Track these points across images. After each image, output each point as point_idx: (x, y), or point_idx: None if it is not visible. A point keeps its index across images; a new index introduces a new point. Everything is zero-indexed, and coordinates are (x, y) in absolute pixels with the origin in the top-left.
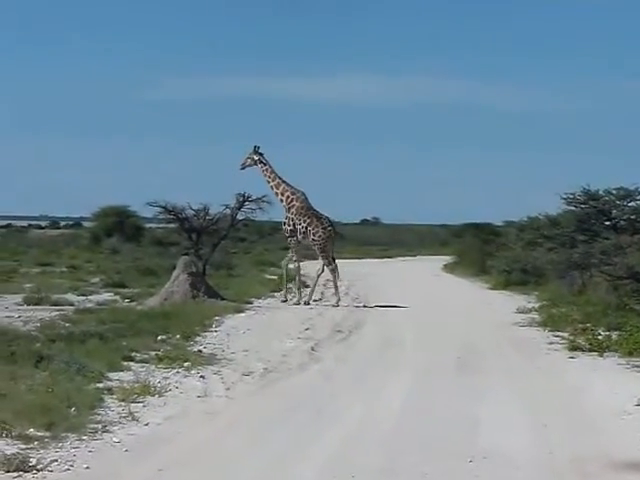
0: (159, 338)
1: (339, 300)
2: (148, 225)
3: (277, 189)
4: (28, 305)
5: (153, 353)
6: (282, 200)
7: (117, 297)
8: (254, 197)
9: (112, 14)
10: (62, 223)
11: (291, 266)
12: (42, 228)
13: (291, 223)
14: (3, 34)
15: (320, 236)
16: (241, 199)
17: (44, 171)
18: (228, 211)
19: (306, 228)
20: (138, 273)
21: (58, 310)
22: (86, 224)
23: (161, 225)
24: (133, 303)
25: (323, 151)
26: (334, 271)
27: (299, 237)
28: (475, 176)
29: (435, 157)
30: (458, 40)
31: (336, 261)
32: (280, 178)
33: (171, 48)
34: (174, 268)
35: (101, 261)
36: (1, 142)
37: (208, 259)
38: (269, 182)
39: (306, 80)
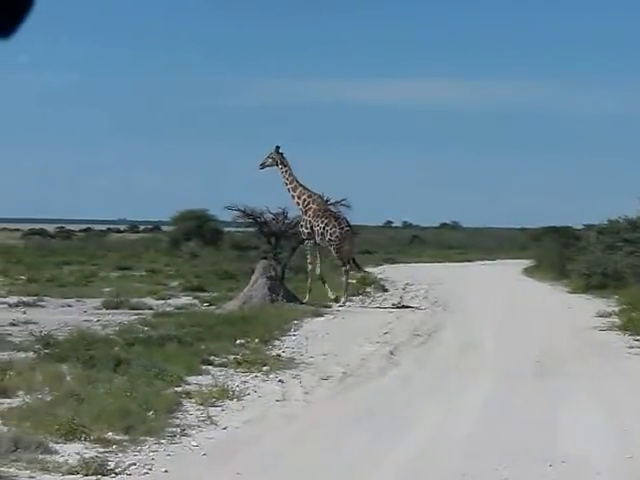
0: (238, 342)
1: (345, 301)
2: (227, 229)
3: (294, 192)
4: (107, 309)
5: (232, 357)
6: (298, 203)
7: (196, 301)
8: (333, 200)
9: (194, 23)
10: (141, 227)
11: (318, 270)
12: (121, 232)
13: (308, 225)
14: (96, 43)
15: (337, 236)
16: None
17: (123, 175)
18: None
19: (324, 229)
20: (217, 277)
21: (137, 314)
22: (165, 228)
23: (240, 229)
24: (212, 307)
25: (403, 154)
26: (347, 273)
27: (317, 239)
28: (554, 179)
29: (515, 161)
30: (532, 41)
31: (357, 263)
32: (297, 181)
33: (242, 54)
34: (253, 272)
35: (180, 265)
36: (83, 148)
37: (287, 263)
38: (287, 184)
39: (380, 82)
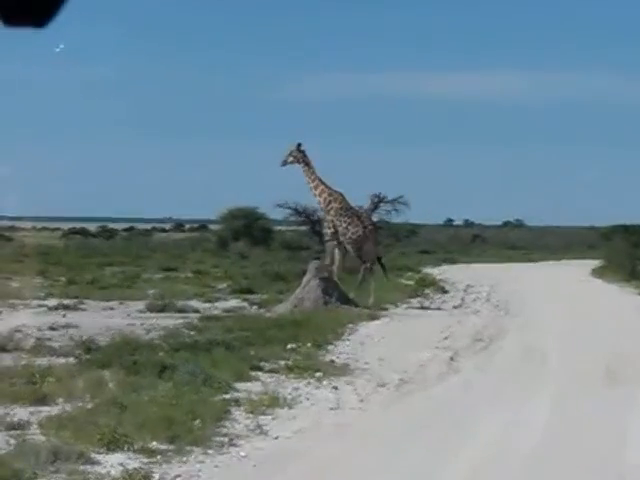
0: (289, 347)
1: (371, 302)
2: (278, 228)
3: (315, 190)
4: (151, 312)
5: (283, 363)
6: (320, 202)
7: (245, 304)
8: (389, 198)
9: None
10: (187, 226)
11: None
12: (166, 231)
13: (331, 225)
14: (137, 35)
15: (360, 235)
16: (376, 200)
17: (168, 172)
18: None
19: (346, 228)
20: (267, 279)
21: (182, 317)
22: (212, 227)
23: (291, 228)
24: (261, 310)
25: (464, 150)
26: (367, 271)
27: (341, 238)
28: (625, 175)
29: (582, 156)
30: (609, 32)
31: (383, 264)
32: (320, 179)
33: (293, 45)
34: (304, 273)
35: (228, 266)
36: (127, 143)
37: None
38: (309, 182)
39: (448, 75)
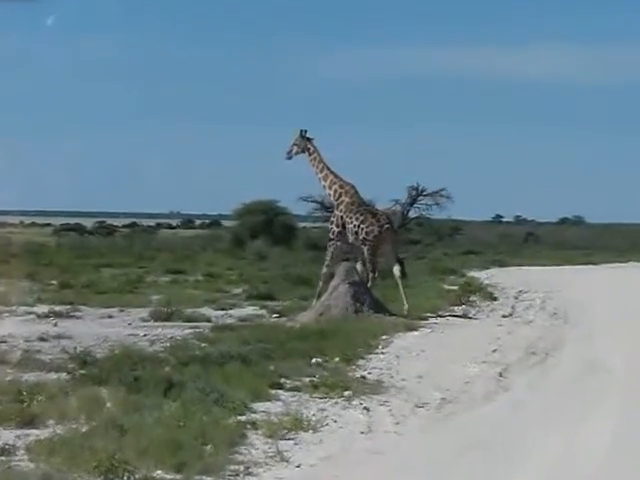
0: (314, 361)
1: (405, 309)
2: (301, 224)
3: (325, 181)
4: (156, 321)
5: (307, 379)
6: (330, 195)
7: (263, 311)
8: (430, 190)
9: None
10: (197, 222)
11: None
12: (173, 228)
13: (340, 222)
14: (138, 12)
15: (375, 235)
16: (414, 193)
17: (176, 160)
18: (398, 207)
19: (358, 226)
20: (289, 283)
21: (192, 327)
22: (226, 223)
23: (317, 225)
24: (282, 319)
25: (514, 137)
26: (375, 280)
27: (351, 238)
28: None
29: None
30: None
31: (404, 268)
32: (329, 169)
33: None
34: (332, 277)
35: (245, 268)
36: (129, 129)
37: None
38: (317, 173)
39: (491, 51)
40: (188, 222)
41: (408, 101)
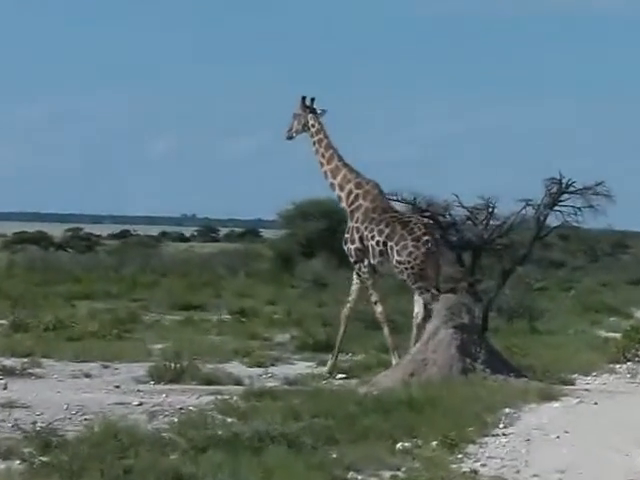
0: (399, 446)
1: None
2: None
3: (333, 177)
4: (158, 383)
5: (387, 475)
6: (340, 197)
7: (322, 369)
8: (580, 186)
9: None
10: (221, 231)
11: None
12: (186, 240)
13: (356, 237)
14: None
15: (415, 256)
16: (555, 189)
17: (186, 139)
18: (531, 211)
19: (384, 244)
20: (361, 324)
21: (213, 392)
22: (267, 233)
23: None
24: (352, 381)
25: None
26: (426, 319)
27: (372, 260)
28: None
29: None
30: None
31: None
32: (340, 159)
33: None
34: (429, 317)
35: (295, 302)
36: (117, 93)
37: (492, 300)
38: (322, 164)
39: None
40: (208, 231)
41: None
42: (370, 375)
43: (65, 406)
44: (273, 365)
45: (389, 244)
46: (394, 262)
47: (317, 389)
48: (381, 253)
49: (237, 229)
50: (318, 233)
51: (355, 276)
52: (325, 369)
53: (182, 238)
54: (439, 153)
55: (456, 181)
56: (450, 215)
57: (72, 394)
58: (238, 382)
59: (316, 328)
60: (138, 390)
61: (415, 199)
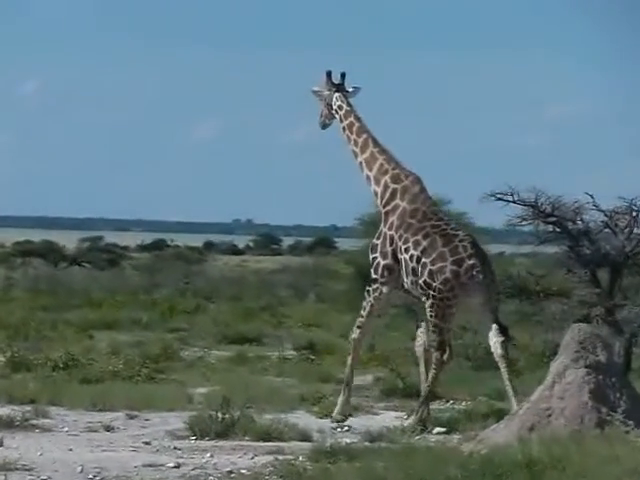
0: None
1: (417, 423)
2: (495, 248)
3: (369, 168)
4: (200, 438)
5: None
6: (377, 193)
7: (413, 421)
8: None
9: None
10: (284, 240)
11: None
12: (239, 252)
13: (388, 250)
14: None
15: (451, 286)
16: None
17: (235, 137)
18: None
19: (418, 259)
20: (467, 363)
21: (272, 451)
22: (344, 243)
23: (526, 248)
24: (454, 436)
25: None
26: (441, 364)
27: (406, 280)
28: None
29: None
30: None
31: (507, 332)
32: (376, 143)
33: None
34: (555, 353)
35: (378, 332)
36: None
37: (637, 332)
38: (356, 154)
39: None
40: (268, 241)
41: None
42: (477, 429)
43: (79, 468)
44: (351, 415)
45: (422, 260)
46: (421, 282)
47: (407, 447)
48: (413, 271)
49: (305, 239)
50: None
51: (371, 299)
52: (414, 419)
53: (234, 250)
54: (569, 139)
55: (591, 176)
56: (582, 221)
57: (88, 452)
58: (305, 437)
59: (407, 368)
60: (174, 448)
61: (537, 200)
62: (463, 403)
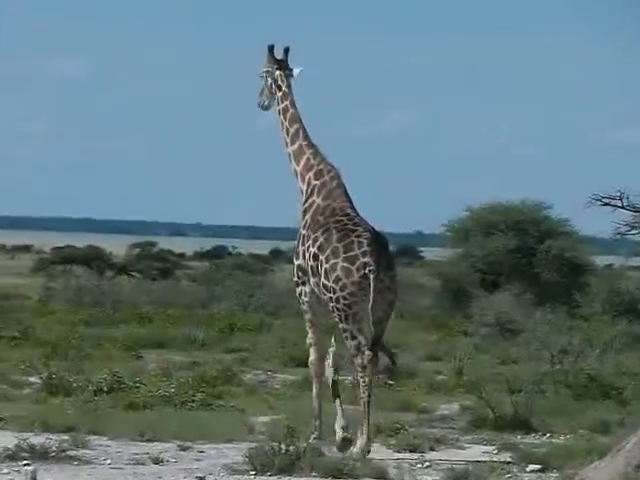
0: None
1: (365, 444)
2: (604, 258)
3: (296, 162)
4: (261, 473)
5: None
6: (302, 189)
7: (506, 456)
8: None
9: None
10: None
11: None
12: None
13: (300, 247)
14: None
15: (343, 284)
16: None
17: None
18: None
19: (315, 256)
20: (568, 392)
21: None
22: (429, 252)
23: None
24: (551, 475)
25: None
26: (366, 370)
27: (312, 281)
28: None
29: None
30: None
31: (387, 347)
32: (306, 136)
33: None
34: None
35: (467, 355)
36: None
37: None
38: (286, 143)
39: None
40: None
41: None
42: (577, 466)
43: None
44: (433, 450)
45: (320, 258)
46: (321, 286)
47: None
48: (312, 270)
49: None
50: (505, 254)
51: (305, 309)
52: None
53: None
54: None
55: None
56: None
57: None
58: (380, 474)
59: (499, 395)
60: None
61: None
62: (561, 437)
